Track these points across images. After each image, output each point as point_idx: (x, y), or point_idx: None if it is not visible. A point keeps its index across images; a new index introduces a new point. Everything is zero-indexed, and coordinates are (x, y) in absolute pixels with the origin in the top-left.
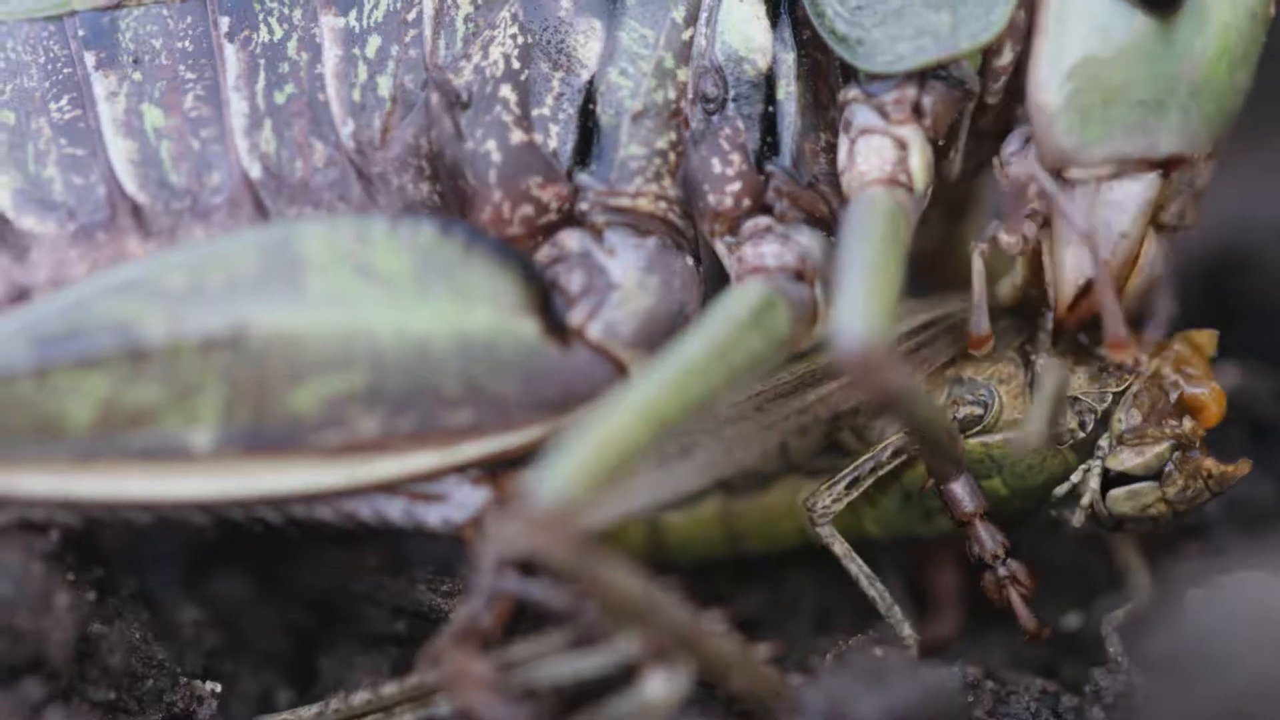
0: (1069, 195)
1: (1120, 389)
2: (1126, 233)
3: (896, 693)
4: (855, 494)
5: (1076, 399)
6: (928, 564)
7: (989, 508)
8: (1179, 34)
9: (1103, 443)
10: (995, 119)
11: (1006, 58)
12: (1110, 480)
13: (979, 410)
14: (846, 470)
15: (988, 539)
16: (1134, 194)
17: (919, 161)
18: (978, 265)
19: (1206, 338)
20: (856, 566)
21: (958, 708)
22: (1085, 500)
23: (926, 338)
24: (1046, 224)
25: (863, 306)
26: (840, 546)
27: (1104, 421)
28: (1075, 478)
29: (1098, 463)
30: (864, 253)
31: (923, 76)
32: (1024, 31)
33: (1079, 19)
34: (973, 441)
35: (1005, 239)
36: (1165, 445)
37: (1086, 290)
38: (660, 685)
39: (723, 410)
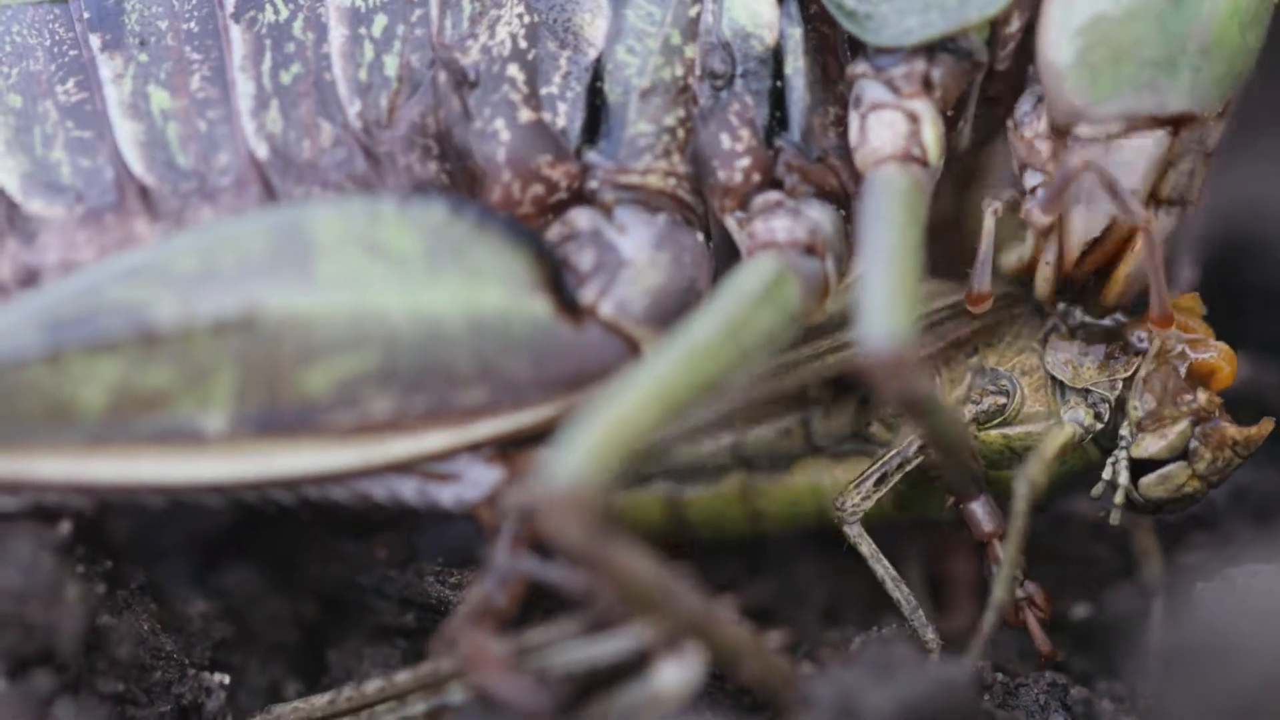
0: (1078, 151)
1: (1129, 373)
2: (1136, 189)
3: (906, 685)
4: (884, 490)
5: (1088, 390)
6: (945, 556)
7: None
8: None
9: (1124, 432)
10: (1003, 84)
11: (1014, 25)
12: (1139, 468)
13: (1002, 400)
14: (874, 467)
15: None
16: (1143, 151)
17: (931, 134)
18: (989, 224)
19: (1191, 300)
20: (882, 568)
21: (967, 700)
22: (1119, 497)
23: (948, 314)
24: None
25: (888, 310)
26: (867, 547)
27: (1119, 408)
28: (1106, 474)
29: (1123, 454)
30: (885, 246)
31: (931, 49)
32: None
33: None
34: (994, 433)
35: (1040, 218)
36: (1185, 423)
37: (1093, 245)
38: (673, 674)
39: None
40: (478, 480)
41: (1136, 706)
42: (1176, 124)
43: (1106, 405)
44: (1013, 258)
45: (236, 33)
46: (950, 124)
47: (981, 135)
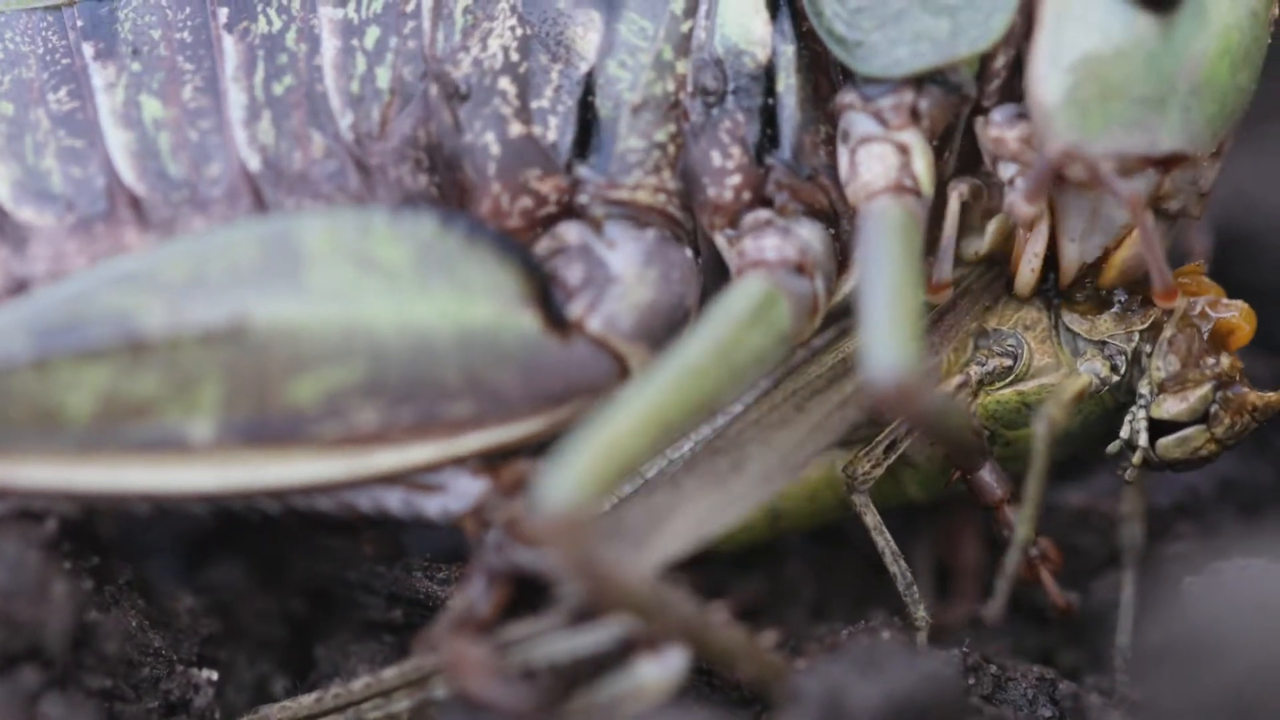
0: (1068, 193)
1: (1146, 325)
2: (1127, 225)
3: (894, 679)
4: (893, 458)
5: (1105, 342)
6: (953, 543)
7: (1016, 493)
8: (1179, 33)
9: (1143, 390)
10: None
11: (1001, 60)
12: (1157, 429)
13: (1009, 361)
14: (883, 435)
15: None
16: (1134, 191)
17: (923, 164)
18: (953, 208)
19: (1195, 268)
20: (884, 540)
21: (955, 694)
22: (1137, 458)
23: (945, 306)
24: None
25: (892, 337)
26: (872, 518)
27: (1135, 361)
28: (1124, 433)
29: (1142, 414)
30: (885, 277)
31: (920, 81)
32: (1020, 36)
33: (1078, 16)
34: (1007, 391)
35: (1024, 209)
36: (1207, 387)
37: (1084, 272)
38: (654, 669)
39: (768, 418)
40: (464, 492)
41: (1126, 700)
42: (1168, 164)
43: (1123, 357)
44: (970, 249)
45: (229, 43)
46: (936, 154)
47: (965, 166)
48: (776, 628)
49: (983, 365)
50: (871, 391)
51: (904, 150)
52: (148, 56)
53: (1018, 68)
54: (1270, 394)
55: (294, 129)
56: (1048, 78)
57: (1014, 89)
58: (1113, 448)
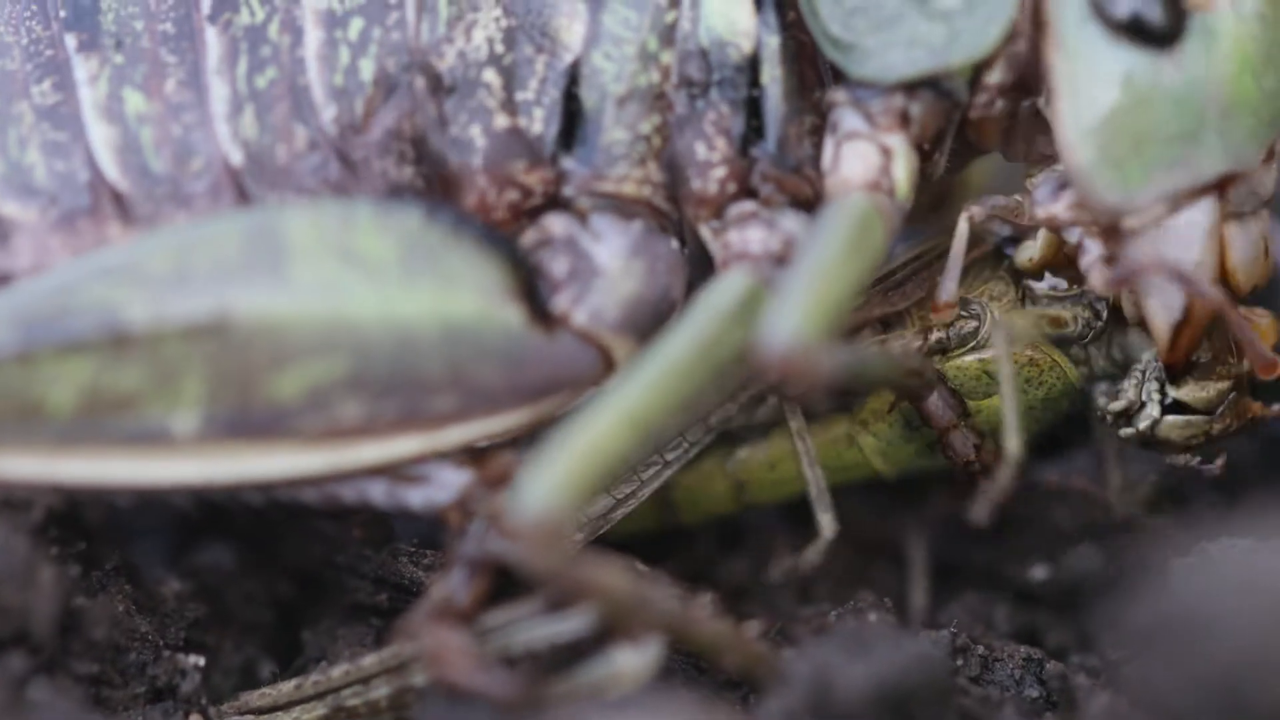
0: (1130, 245)
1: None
2: (1201, 261)
3: (881, 661)
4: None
5: (1083, 293)
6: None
7: (967, 414)
8: (1189, 61)
9: (1147, 356)
10: (979, 132)
11: (997, 76)
12: (1166, 408)
13: (974, 323)
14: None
15: (961, 445)
16: (1195, 224)
17: (903, 170)
18: (962, 228)
19: (1269, 325)
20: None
21: (942, 675)
22: (1144, 425)
23: (910, 271)
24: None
25: (795, 310)
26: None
27: (1115, 318)
28: (1129, 395)
29: (1155, 384)
30: (820, 256)
31: (912, 86)
32: (1023, 57)
33: (1087, 75)
34: (969, 359)
35: (1104, 289)
36: (1228, 384)
37: (1180, 328)
38: (632, 656)
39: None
40: (447, 482)
41: (1113, 680)
42: (1220, 186)
43: (1104, 303)
44: (1023, 257)
45: (212, 35)
46: (926, 156)
47: (956, 166)
48: (762, 610)
49: (950, 326)
50: (755, 358)
51: (887, 153)
52: (130, 49)
53: (1019, 92)
54: (1271, 409)
55: (277, 122)
56: (1077, 143)
57: (1012, 112)
58: (1115, 405)
